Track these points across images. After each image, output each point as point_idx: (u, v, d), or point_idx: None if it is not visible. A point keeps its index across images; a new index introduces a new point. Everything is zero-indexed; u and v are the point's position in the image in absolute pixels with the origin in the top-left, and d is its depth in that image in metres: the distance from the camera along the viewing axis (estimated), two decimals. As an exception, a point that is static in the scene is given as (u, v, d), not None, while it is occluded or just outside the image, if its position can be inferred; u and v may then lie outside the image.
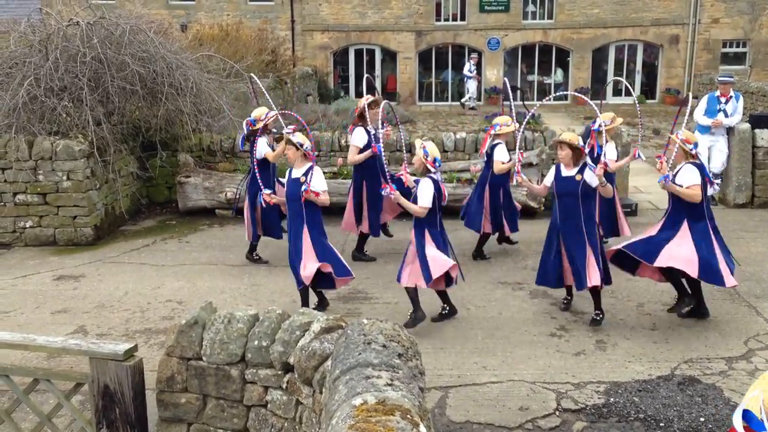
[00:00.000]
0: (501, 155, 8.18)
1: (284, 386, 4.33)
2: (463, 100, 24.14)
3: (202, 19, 23.26)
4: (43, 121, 9.70)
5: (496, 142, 8.28)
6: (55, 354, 5.92)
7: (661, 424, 5.09)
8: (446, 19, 25.67)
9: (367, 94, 8.79)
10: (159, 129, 10.58)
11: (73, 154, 9.48)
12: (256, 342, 4.43)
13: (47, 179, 9.56)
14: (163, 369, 4.61)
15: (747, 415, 2.15)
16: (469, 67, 23.70)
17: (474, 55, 24.55)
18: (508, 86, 9.28)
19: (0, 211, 9.68)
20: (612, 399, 5.44)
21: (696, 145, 6.58)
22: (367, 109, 7.87)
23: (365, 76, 11.19)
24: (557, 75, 26.12)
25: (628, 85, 10.07)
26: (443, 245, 6.54)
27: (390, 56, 26.13)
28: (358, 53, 26.17)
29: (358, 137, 8.35)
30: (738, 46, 25.25)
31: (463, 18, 25.54)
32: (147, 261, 8.96)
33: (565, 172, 6.63)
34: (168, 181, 11.42)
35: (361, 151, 8.30)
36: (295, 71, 20.95)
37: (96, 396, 4.42)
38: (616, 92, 25.46)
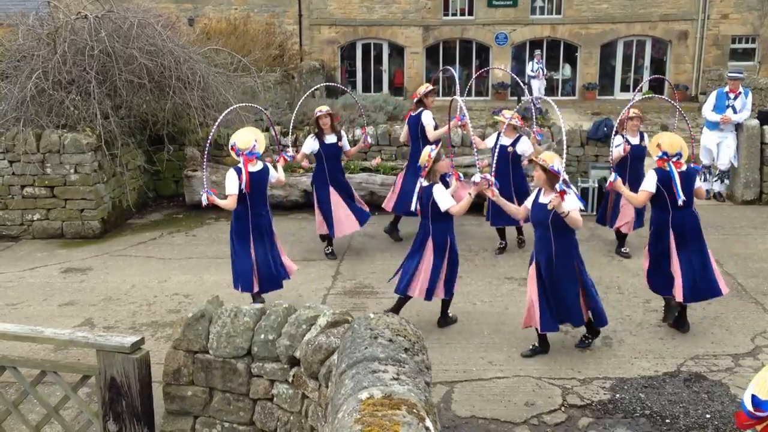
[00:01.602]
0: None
1: (290, 380, 4.34)
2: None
3: (209, 13, 23.24)
4: (50, 115, 9.72)
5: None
6: (62, 346, 5.95)
7: (667, 421, 5.08)
8: (454, 14, 25.58)
9: (432, 85, 9.19)
10: (166, 123, 10.60)
11: (80, 148, 9.50)
12: (262, 336, 4.44)
13: (55, 172, 9.59)
14: (169, 362, 4.62)
15: (755, 399, 2.21)
16: (532, 66, 21.77)
17: (538, 53, 22.84)
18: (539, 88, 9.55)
19: (8, 203, 9.72)
20: (618, 395, 5.44)
21: (676, 154, 6.28)
22: (426, 96, 8.81)
23: (441, 68, 11.87)
24: (565, 70, 26.02)
25: (669, 81, 10.03)
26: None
27: (397, 51, 26.07)
28: (366, 48, 26.12)
29: (429, 117, 8.83)
30: (747, 42, 25.09)
31: (471, 13, 25.44)
32: (154, 254, 8.99)
33: (542, 198, 5.81)
34: (175, 175, 11.44)
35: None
36: (303, 66, 20.94)
37: (103, 388, 4.43)
38: (624, 88, 25.36)
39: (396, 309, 6.51)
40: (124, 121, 10.32)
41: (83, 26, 10.03)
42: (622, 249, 8.63)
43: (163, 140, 10.90)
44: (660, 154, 6.21)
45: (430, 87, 9.00)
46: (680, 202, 6.16)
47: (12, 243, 9.62)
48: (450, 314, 6.72)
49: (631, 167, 8.30)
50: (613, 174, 6.50)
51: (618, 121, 7.77)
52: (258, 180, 6.75)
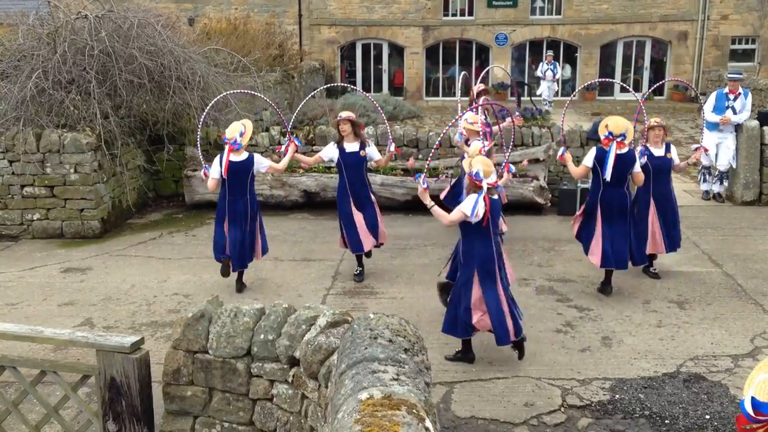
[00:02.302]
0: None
1: (290, 380, 4.34)
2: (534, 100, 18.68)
3: (209, 13, 23.23)
4: (50, 114, 9.72)
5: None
6: (62, 346, 5.95)
7: (666, 421, 5.09)
8: (454, 14, 25.57)
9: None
10: (166, 122, 10.61)
11: (80, 147, 9.50)
12: (262, 336, 4.44)
13: (55, 172, 9.59)
14: (169, 362, 4.63)
15: (755, 402, 2.19)
16: (542, 67, 20.76)
17: (550, 54, 21.60)
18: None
19: (8, 203, 9.72)
20: (617, 396, 5.44)
21: (619, 134, 6.89)
22: (477, 95, 8.80)
23: (462, 73, 11.74)
24: (565, 71, 26.01)
25: (690, 86, 10.01)
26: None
27: (397, 51, 26.06)
28: (366, 48, 26.12)
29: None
30: (747, 43, 25.10)
31: (471, 13, 25.44)
32: (153, 254, 8.99)
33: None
34: (175, 175, 11.44)
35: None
36: (302, 66, 20.94)
37: (102, 388, 4.43)
38: (624, 88, 25.32)
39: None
40: (124, 120, 10.32)
41: (83, 26, 10.03)
42: (651, 269, 7.97)
43: (162, 140, 10.90)
44: (606, 133, 6.84)
45: (483, 86, 9.13)
46: (607, 178, 6.90)
47: (12, 243, 9.62)
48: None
49: (655, 181, 7.58)
50: (562, 148, 7.29)
51: (640, 132, 7.78)
52: (238, 169, 7.28)
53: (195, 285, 7.89)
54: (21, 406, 4.81)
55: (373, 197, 7.84)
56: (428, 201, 5.66)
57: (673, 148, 7.75)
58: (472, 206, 5.51)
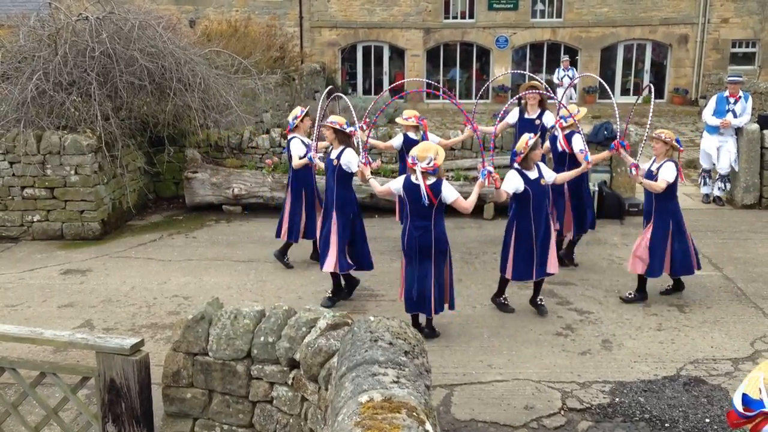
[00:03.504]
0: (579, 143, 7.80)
1: (290, 382, 4.34)
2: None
3: (210, 15, 23.25)
4: (51, 116, 9.73)
5: (570, 131, 8.02)
6: (61, 348, 5.94)
7: (666, 425, 5.08)
8: (455, 17, 25.60)
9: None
10: (167, 124, 10.61)
11: (81, 149, 9.50)
12: (262, 338, 4.44)
13: (55, 173, 9.60)
14: (169, 364, 4.62)
15: (745, 398, 2.23)
16: (558, 73, 19.57)
17: (566, 59, 20.36)
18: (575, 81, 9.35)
19: (8, 205, 9.72)
20: (617, 399, 5.43)
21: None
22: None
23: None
24: (561, 74, 25.99)
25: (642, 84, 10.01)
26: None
27: (398, 53, 26.08)
28: (366, 50, 26.14)
29: (550, 117, 8.85)
30: (747, 46, 25.11)
31: (471, 16, 25.47)
32: (154, 256, 8.99)
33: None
34: (175, 177, 11.45)
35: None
36: (303, 68, 20.95)
37: (102, 390, 4.43)
38: (624, 91, 25.38)
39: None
40: (125, 122, 10.33)
41: (84, 28, 10.04)
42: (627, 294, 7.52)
43: (163, 142, 10.91)
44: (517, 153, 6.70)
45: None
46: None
47: (12, 244, 9.62)
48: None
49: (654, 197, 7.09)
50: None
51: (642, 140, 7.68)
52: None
53: (195, 287, 7.89)
54: (20, 408, 4.81)
55: (336, 216, 7.08)
56: (368, 174, 6.57)
57: (667, 166, 6.95)
58: (398, 185, 6.28)
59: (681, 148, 7.06)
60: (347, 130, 7.13)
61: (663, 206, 7.02)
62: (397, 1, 25.19)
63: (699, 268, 7.35)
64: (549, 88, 9.10)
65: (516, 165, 6.65)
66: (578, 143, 7.78)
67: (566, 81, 18.77)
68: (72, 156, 9.52)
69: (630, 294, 7.35)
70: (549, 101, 9.03)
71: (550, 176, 6.83)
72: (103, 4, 10.83)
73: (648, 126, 7.41)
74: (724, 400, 5.39)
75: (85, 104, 9.73)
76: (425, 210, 6.11)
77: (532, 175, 6.61)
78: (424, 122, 8.67)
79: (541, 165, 6.81)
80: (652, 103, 7.29)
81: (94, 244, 9.53)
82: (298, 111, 8.33)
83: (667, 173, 6.88)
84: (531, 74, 9.63)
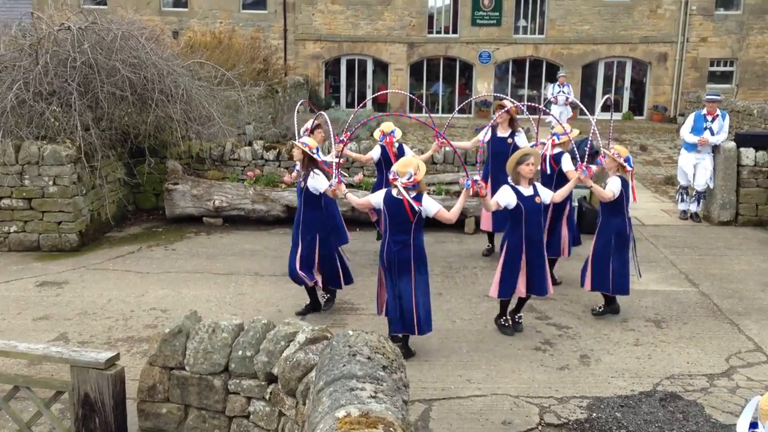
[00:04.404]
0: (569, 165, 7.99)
1: (267, 397, 4.32)
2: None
3: (194, 26, 23.25)
4: (30, 126, 9.65)
5: (558, 151, 8.16)
6: (35, 361, 5.86)
7: (643, 441, 5.11)
8: (438, 32, 25.79)
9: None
10: (148, 135, 10.55)
11: (60, 159, 9.43)
12: (240, 352, 4.42)
13: (33, 184, 9.50)
14: (144, 378, 4.58)
15: (754, 425, 2.21)
16: (552, 89, 18.76)
17: (562, 75, 19.51)
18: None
19: (-15, 215, 9.60)
20: (594, 414, 5.46)
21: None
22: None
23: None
24: (547, 90, 26.26)
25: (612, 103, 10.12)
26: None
27: (381, 67, 26.20)
28: (350, 63, 26.24)
29: (523, 139, 8.88)
30: (725, 65, 25.52)
31: (455, 31, 25.67)
32: (132, 268, 8.92)
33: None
34: (155, 188, 11.38)
35: None
36: (287, 80, 20.97)
37: (76, 404, 4.38)
38: (605, 108, 25.61)
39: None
40: (105, 133, 10.26)
41: (66, 37, 9.99)
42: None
43: (144, 153, 10.84)
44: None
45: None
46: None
47: (-12, 254, 9.50)
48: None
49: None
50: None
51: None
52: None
53: (173, 300, 7.83)
54: (-7, 422, 4.74)
55: (301, 235, 7.15)
56: (342, 190, 6.54)
57: (613, 179, 7.08)
58: (378, 199, 6.29)
59: (628, 168, 7.03)
60: (315, 156, 7.06)
61: (606, 221, 7.15)
62: (382, 15, 25.35)
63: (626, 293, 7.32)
64: (544, 107, 9.01)
65: (509, 180, 6.70)
66: (567, 164, 7.91)
67: (561, 98, 18.18)
68: (51, 166, 9.44)
69: (600, 307, 7.41)
70: (545, 118, 8.94)
71: (546, 195, 6.78)
72: (85, 14, 10.80)
73: (609, 140, 7.53)
74: (699, 416, 5.43)
75: (65, 114, 9.66)
76: (405, 224, 6.13)
77: (526, 192, 6.60)
78: (390, 138, 8.60)
79: (538, 184, 6.82)
80: (611, 115, 7.43)
81: (72, 255, 9.44)
82: (309, 123, 8.23)
83: (612, 185, 7.00)
84: (506, 97, 9.56)
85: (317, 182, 7.05)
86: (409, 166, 6.07)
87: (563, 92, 18.29)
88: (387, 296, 6.35)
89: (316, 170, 7.09)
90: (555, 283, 8.40)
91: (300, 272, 7.16)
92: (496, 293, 6.81)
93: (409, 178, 6.01)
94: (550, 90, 19.35)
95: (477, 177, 6.19)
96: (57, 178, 9.49)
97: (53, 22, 10.42)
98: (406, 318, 6.21)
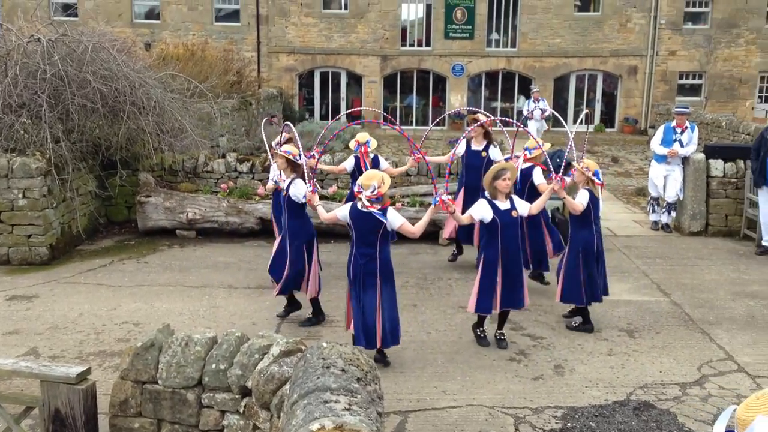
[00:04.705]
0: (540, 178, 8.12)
1: (241, 410, 4.28)
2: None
3: (166, 38, 23.12)
4: (0, 138, 9.51)
5: (528, 165, 8.22)
6: (5, 376, 5.74)
7: (617, 450, 5.14)
8: (412, 45, 25.96)
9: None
10: (120, 148, 10.45)
11: (29, 172, 9.30)
12: (213, 365, 4.38)
13: (2, 197, 9.35)
14: (116, 393, 4.52)
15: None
16: (528, 105, 18.69)
17: (536, 90, 19.53)
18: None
19: (-48, 228, 9.42)
20: (569, 424, 5.49)
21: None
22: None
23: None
24: (519, 102, 26.53)
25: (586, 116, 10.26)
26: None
27: (355, 80, 26.28)
28: (324, 76, 26.28)
29: (497, 152, 8.96)
30: (694, 78, 25.99)
31: (428, 44, 25.86)
32: (103, 281, 8.80)
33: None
34: (128, 201, 11.26)
35: None
36: (260, 92, 20.92)
37: (46, 420, 4.31)
38: (583, 121, 25.98)
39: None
40: (76, 145, 10.14)
41: (36, 49, 9.88)
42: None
43: (116, 165, 10.73)
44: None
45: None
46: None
47: (-45, 269, 9.31)
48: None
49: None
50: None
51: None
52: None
53: (146, 313, 7.74)
54: (-41, 440, 4.64)
55: (289, 244, 7.27)
56: (315, 200, 6.61)
57: (581, 192, 7.20)
58: (344, 212, 6.29)
59: (598, 182, 7.09)
60: (299, 161, 7.13)
61: (575, 233, 7.23)
62: (355, 28, 25.45)
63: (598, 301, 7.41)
64: (520, 122, 9.05)
65: (486, 194, 6.72)
66: (538, 177, 7.99)
67: (537, 113, 18.15)
68: (20, 179, 9.30)
69: (575, 323, 7.43)
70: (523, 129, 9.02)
71: (523, 208, 6.80)
72: (55, 26, 10.69)
73: (583, 152, 7.62)
74: (672, 425, 5.48)
75: (35, 127, 9.54)
76: (370, 237, 6.15)
77: (503, 205, 6.60)
78: (365, 148, 8.65)
79: (515, 197, 6.84)
80: (586, 128, 7.51)
81: (42, 269, 9.29)
82: (279, 138, 8.26)
83: (581, 198, 7.08)
84: (480, 111, 9.62)
85: (298, 190, 7.13)
86: (374, 179, 6.11)
87: (538, 107, 18.30)
88: (352, 309, 6.37)
89: (297, 179, 7.18)
90: (543, 282, 8.48)
91: (271, 273, 7.43)
92: (473, 308, 6.81)
93: (373, 191, 6.04)
94: (525, 106, 19.19)
95: (445, 195, 6.21)
96: (27, 191, 9.35)
97: (23, 34, 10.30)
98: (370, 332, 6.21)
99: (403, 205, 10.43)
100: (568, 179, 7.42)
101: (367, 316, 6.20)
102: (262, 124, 9.45)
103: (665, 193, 11.27)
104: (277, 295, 7.43)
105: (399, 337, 6.42)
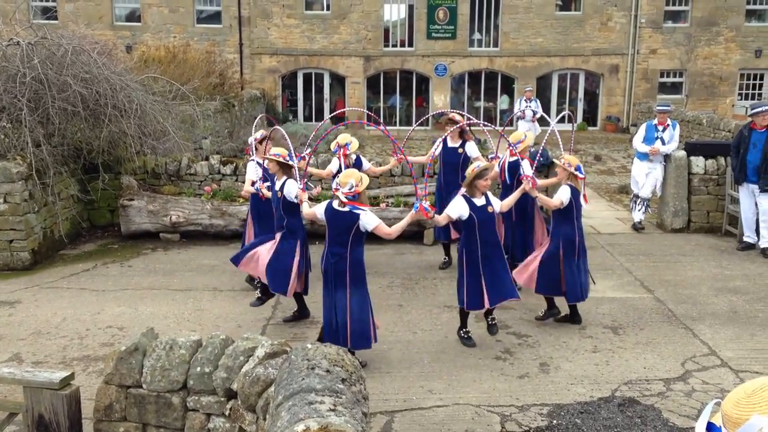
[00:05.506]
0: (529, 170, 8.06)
1: (227, 413, 4.26)
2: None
3: (148, 40, 22.99)
4: (-21, 142, 9.42)
5: (514, 159, 8.23)
6: (-13, 383, 5.71)
7: (603, 446, 5.17)
8: (394, 45, 25.99)
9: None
10: (101, 151, 10.38)
11: (10, 176, 9.21)
12: (198, 368, 4.36)
13: (-17, 202, 9.26)
14: (101, 397, 4.49)
15: (710, 426, 2.21)
16: (519, 104, 18.48)
17: (528, 89, 19.14)
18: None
19: (-69, 234, 9.31)
20: (555, 421, 5.51)
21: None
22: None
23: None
24: (502, 101, 26.64)
25: (570, 114, 10.31)
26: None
27: (338, 81, 26.27)
28: (307, 77, 26.25)
29: (473, 148, 9.02)
30: (675, 76, 26.22)
31: (411, 44, 25.90)
32: (87, 286, 8.73)
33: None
34: (110, 204, 11.18)
35: None
36: (243, 94, 20.87)
37: (30, 426, 4.27)
38: (560, 119, 26.11)
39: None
40: (57, 149, 10.06)
41: (15, 53, 9.79)
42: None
43: (98, 169, 10.65)
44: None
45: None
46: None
47: (-65, 275, 9.21)
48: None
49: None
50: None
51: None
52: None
53: (130, 317, 7.69)
54: (-59, 448, 4.59)
55: (290, 242, 7.26)
56: (304, 199, 6.71)
57: (562, 188, 7.24)
58: (321, 209, 6.34)
59: (580, 176, 7.17)
60: (290, 162, 7.16)
61: (557, 228, 7.28)
62: (337, 29, 25.44)
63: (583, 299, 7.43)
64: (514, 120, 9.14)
65: (463, 191, 6.75)
66: (527, 169, 8.02)
67: (528, 113, 17.81)
68: (1, 184, 9.21)
69: (541, 313, 7.51)
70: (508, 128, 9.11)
71: (497, 204, 6.88)
72: (35, 29, 10.59)
73: (570, 150, 7.67)
74: (657, 420, 5.53)
75: (15, 131, 9.45)
76: (342, 236, 6.16)
77: (479, 202, 6.66)
78: (344, 150, 8.64)
79: (489, 193, 6.88)
80: (573, 127, 7.57)
81: (24, 274, 9.21)
82: (258, 133, 8.40)
83: (561, 194, 7.13)
84: (454, 111, 9.71)
85: (290, 189, 7.15)
86: (351, 177, 6.15)
87: (530, 107, 17.95)
88: (323, 308, 6.40)
89: (288, 180, 7.21)
90: None
91: (239, 259, 7.55)
92: (465, 305, 6.80)
93: (350, 188, 6.06)
94: (516, 105, 19.03)
95: (426, 203, 6.26)
96: (8, 196, 9.26)
97: (1, 37, 10.20)
98: (340, 331, 6.22)
99: (387, 205, 10.44)
100: (540, 182, 7.49)
101: (339, 315, 6.22)
102: (255, 121, 9.43)
103: (641, 190, 11.34)
104: (285, 295, 7.35)
105: (370, 341, 6.32)
